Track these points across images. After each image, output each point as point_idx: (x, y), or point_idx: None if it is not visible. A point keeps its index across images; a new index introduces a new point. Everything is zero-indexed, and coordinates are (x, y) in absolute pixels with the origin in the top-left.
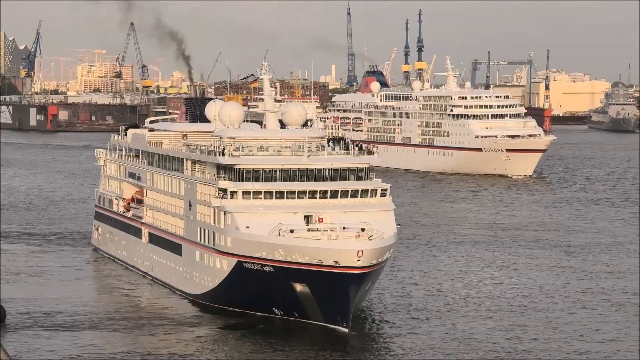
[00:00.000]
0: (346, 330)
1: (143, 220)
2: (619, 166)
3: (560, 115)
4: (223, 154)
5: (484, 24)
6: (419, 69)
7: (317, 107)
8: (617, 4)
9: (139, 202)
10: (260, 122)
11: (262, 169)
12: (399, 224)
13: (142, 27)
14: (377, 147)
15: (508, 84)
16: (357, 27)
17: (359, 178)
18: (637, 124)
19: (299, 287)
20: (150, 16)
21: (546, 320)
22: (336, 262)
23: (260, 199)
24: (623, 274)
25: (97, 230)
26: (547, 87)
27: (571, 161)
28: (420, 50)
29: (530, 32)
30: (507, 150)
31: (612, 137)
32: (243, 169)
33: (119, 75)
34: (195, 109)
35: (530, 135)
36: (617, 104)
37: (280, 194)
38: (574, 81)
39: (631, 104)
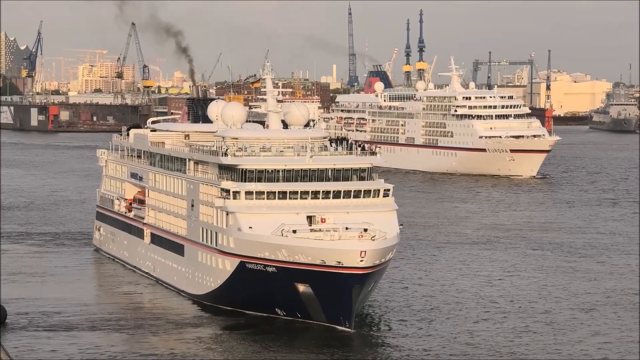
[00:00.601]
0: (349, 330)
1: (145, 221)
2: (620, 166)
3: (562, 115)
4: (226, 154)
5: (485, 24)
6: (420, 69)
7: (319, 108)
8: (617, 4)
9: (141, 202)
10: (262, 122)
11: (265, 169)
12: (401, 224)
13: (138, 24)
14: (380, 147)
15: (509, 84)
16: (357, 27)
17: (362, 178)
18: (638, 125)
19: (301, 287)
20: (146, 12)
21: (548, 321)
22: (339, 262)
23: (263, 199)
24: (624, 274)
25: (99, 230)
26: (548, 88)
27: (572, 162)
28: (421, 50)
29: (531, 32)
30: (511, 150)
31: (613, 138)
32: (246, 169)
33: (120, 76)
34: (197, 109)
35: (534, 136)
36: (618, 104)
37: (282, 194)
38: (575, 81)
39: (632, 104)
